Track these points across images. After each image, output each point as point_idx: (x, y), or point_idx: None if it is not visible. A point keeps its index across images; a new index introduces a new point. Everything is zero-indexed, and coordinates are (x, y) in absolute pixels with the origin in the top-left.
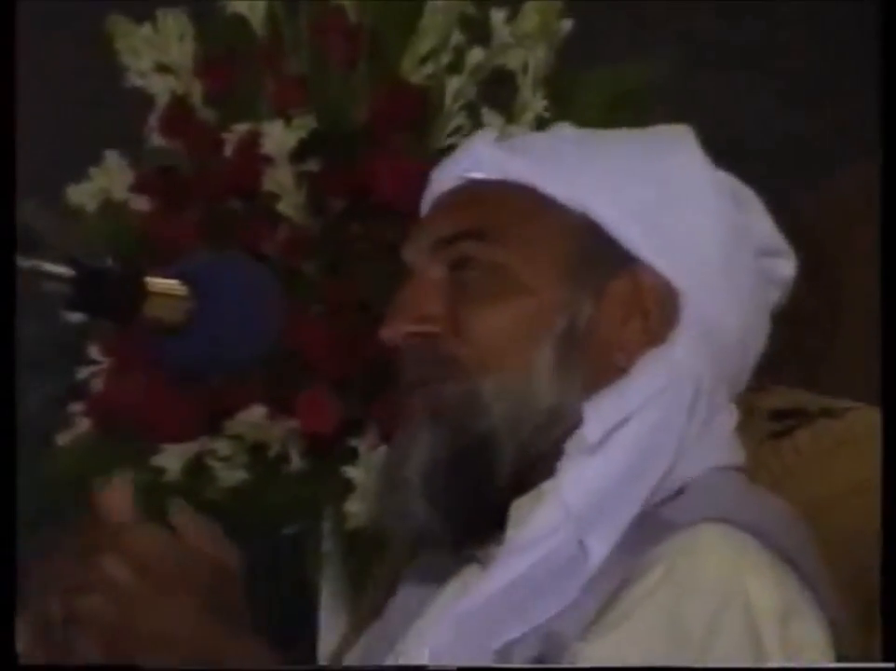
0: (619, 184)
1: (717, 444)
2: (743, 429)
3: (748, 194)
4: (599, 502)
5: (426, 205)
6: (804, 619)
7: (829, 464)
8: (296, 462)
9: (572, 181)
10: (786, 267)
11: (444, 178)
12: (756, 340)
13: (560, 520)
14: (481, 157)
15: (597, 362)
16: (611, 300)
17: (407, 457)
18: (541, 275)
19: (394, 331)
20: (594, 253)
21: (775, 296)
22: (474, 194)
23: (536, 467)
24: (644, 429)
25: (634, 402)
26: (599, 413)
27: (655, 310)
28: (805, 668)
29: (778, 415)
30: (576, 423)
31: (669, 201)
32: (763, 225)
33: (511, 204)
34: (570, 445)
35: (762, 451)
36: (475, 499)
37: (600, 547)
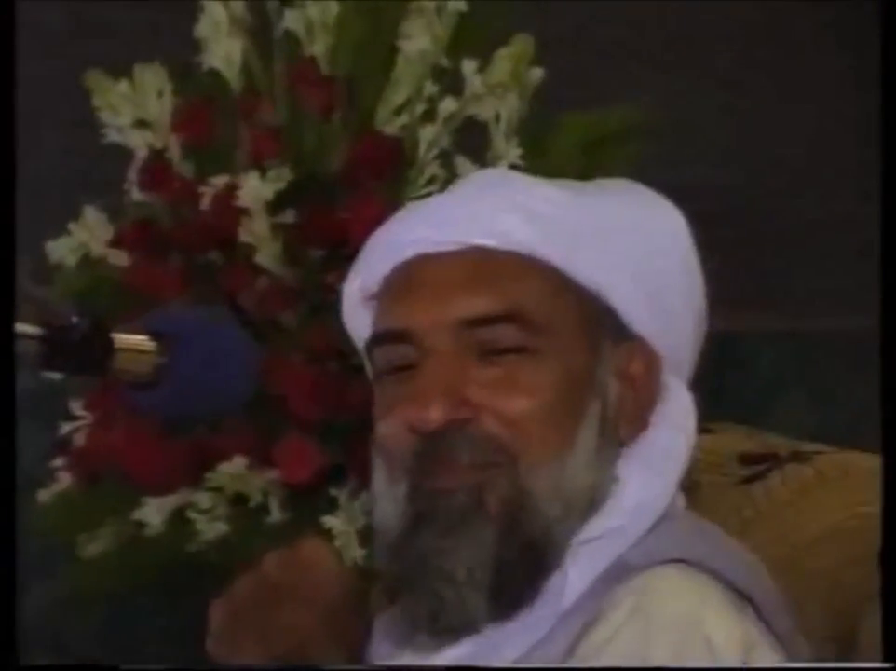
0: (628, 267)
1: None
2: (713, 472)
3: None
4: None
5: (387, 253)
6: (764, 653)
7: (800, 508)
8: (276, 513)
9: (590, 264)
10: None
11: (440, 239)
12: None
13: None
14: (489, 224)
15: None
16: (625, 379)
17: (453, 550)
18: (572, 356)
19: (437, 416)
20: (610, 334)
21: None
22: (491, 268)
23: None
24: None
25: (653, 464)
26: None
27: (648, 383)
28: (804, 668)
29: (748, 458)
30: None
31: (664, 281)
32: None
33: (534, 283)
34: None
35: (733, 495)
36: (528, 588)
37: (577, 584)
